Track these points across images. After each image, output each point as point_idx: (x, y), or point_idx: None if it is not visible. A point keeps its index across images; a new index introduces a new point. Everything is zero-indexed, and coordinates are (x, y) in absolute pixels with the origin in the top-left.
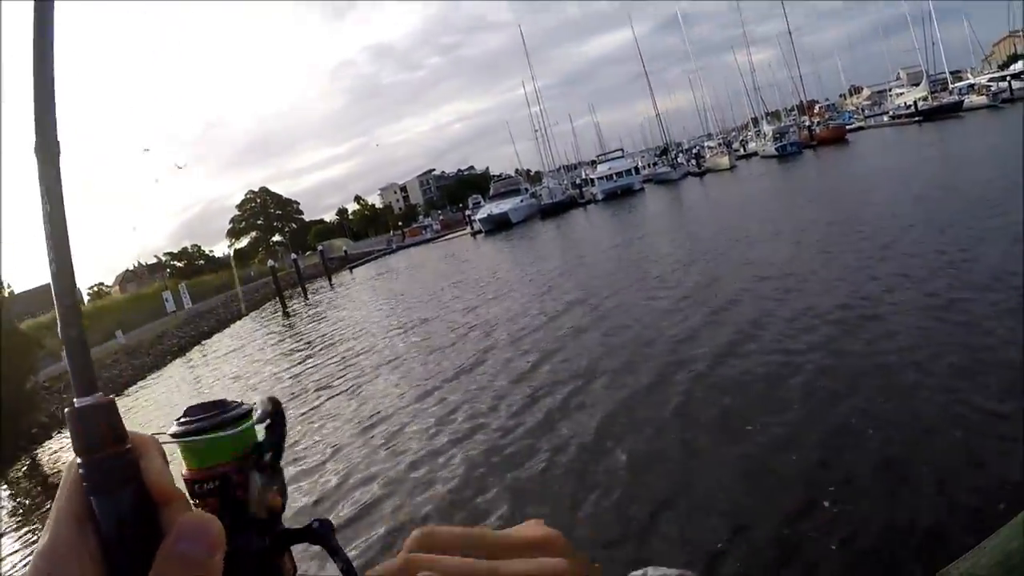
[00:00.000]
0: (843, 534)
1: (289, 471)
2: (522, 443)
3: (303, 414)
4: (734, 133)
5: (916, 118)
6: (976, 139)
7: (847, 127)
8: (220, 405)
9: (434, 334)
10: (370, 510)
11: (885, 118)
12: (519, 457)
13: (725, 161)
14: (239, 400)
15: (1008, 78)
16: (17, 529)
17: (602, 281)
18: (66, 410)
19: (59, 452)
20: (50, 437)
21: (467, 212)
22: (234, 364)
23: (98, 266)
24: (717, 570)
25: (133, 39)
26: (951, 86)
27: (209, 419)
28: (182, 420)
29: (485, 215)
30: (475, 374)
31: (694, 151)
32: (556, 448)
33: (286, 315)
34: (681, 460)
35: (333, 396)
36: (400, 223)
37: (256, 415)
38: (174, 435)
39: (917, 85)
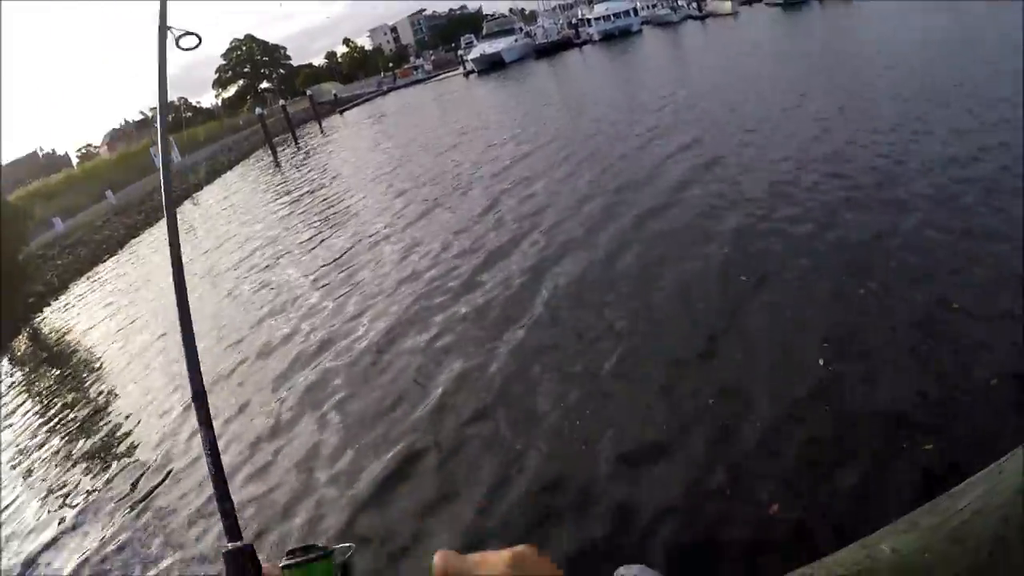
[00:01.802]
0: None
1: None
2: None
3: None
4: None
5: None
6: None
7: None
8: (316, 548)
9: (422, 178)
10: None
11: None
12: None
13: (727, 6)
14: (326, 545)
15: None
16: (22, 399)
17: (587, 121)
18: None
19: (57, 320)
20: (48, 305)
21: (460, 52)
22: (224, 219)
23: (85, 127)
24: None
25: None
26: None
27: (313, 555)
28: (289, 556)
29: (478, 55)
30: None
31: None
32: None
33: (276, 164)
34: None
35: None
36: (391, 64)
37: (337, 559)
38: (287, 567)
39: None
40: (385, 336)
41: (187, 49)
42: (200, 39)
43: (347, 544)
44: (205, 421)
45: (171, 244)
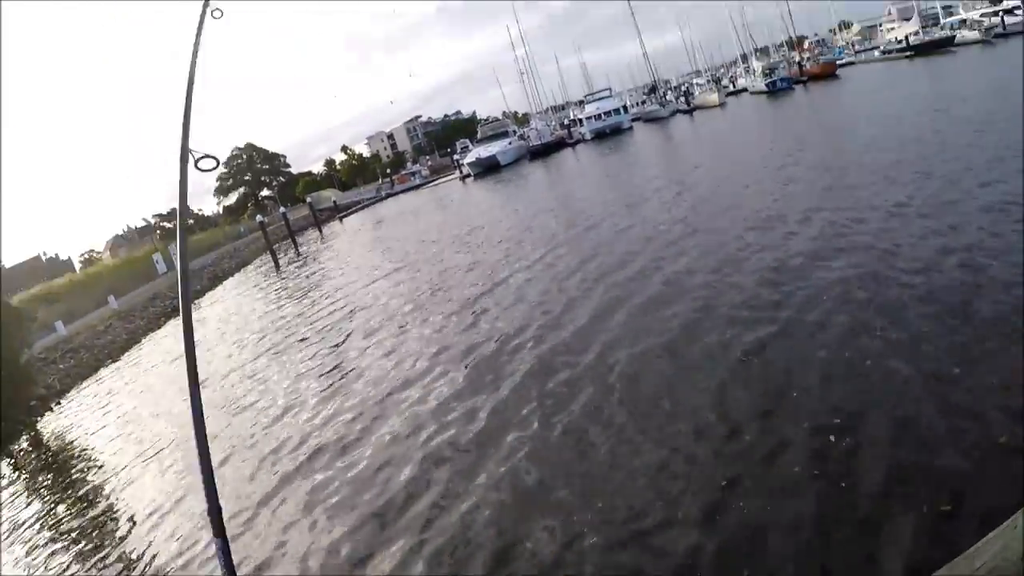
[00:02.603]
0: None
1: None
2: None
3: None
4: (723, 70)
5: (907, 53)
6: (969, 73)
7: (837, 62)
8: None
9: (422, 283)
10: None
11: (876, 53)
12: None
13: (714, 98)
14: None
15: (1000, 13)
16: (22, 502)
17: (587, 215)
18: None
19: (59, 425)
20: (50, 410)
21: (455, 156)
22: (227, 322)
23: (88, 232)
24: None
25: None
26: (942, 21)
27: None
28: None
29: (474, 159)
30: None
31: (683, 89)
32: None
33: (277, 269)
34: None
35: (323, 356)
36: (388, 171)
37: None
38: None
39: (908, 20)
40: (376, 439)
41: (206, 171)
42: (218, 162)
43: None
44: (220, 533)
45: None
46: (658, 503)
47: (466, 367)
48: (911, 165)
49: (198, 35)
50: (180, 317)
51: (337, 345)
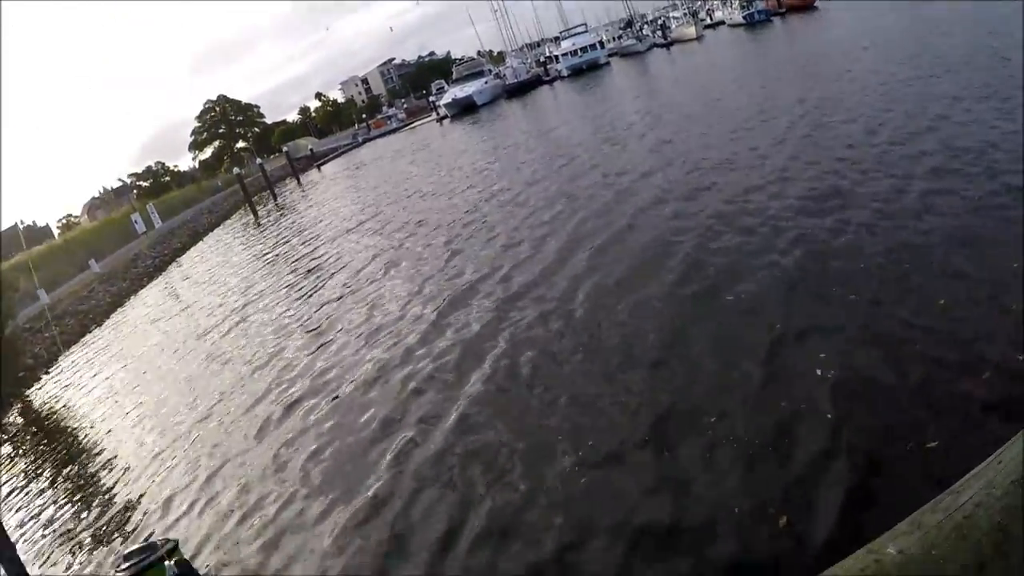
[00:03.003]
0: None
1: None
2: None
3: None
4: (700, 2)
5: None
6: (946, 9)
7: None
8: (152, 547)
9: (396, 222)
10: None
11: None
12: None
13: (692, 31)
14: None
15: None
16: (15, 472)
17: (562, 153)
18: None
19: (48, 394)
20: (38, 379)
21: (431, 98)
22: (209, 278)
23: (65, 198)
24: None
25: None
26: None
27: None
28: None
29: (450, 99)
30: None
31: (660, 22)
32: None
33: (257, 222)
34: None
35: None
36: (364, 116)
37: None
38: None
39: None
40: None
41: None
42: None
43: (172, 539)
44: None
45: None
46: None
47: (439, 305)
48: (886, 95)
49: None
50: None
51: (318, 289)
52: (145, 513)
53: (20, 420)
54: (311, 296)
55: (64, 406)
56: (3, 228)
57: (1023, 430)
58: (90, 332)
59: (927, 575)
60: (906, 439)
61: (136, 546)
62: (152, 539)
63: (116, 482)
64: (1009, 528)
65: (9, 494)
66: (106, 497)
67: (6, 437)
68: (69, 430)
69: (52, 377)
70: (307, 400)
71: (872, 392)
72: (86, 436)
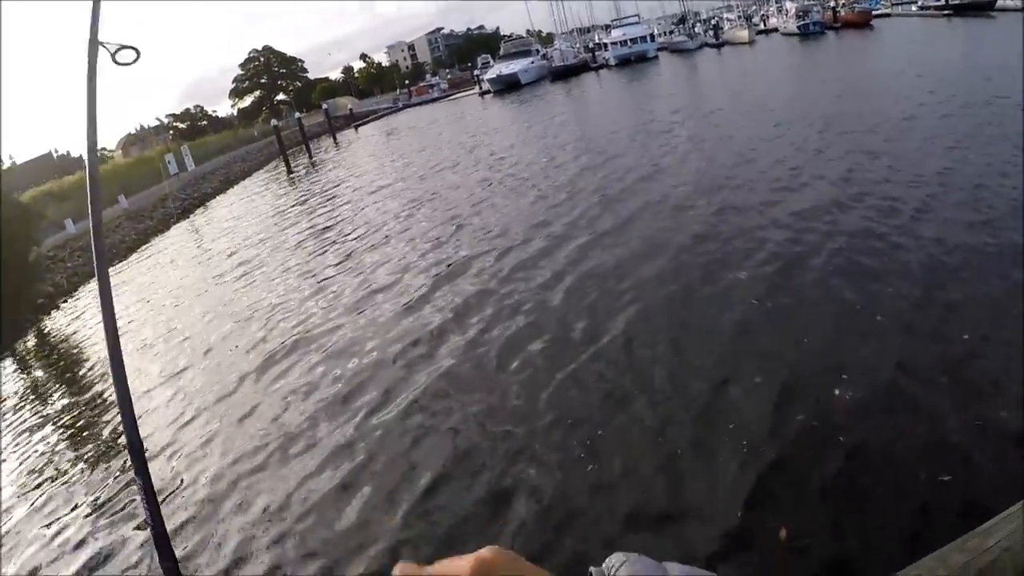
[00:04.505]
0: None
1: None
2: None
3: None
4: (755, 7)
5: (946, 11)
6: (1008, 41)
7: (873, 12)
8: None
9: (425, 193)
10: None
11: (913, 8)
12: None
13: (744, 35)
14: None
15: None
16: (27, 400)
17: (601, 142)
18: None
19: (64, 323)
20: (56, 307)
21: (476, 72)
22: (235, 224)
23: (101, 131)
24: None
25: None
26: None
27: None
28: None
29: (494, 75)
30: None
31: (713, 22)
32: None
33: (289, 176)
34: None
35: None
36: (407, 81)
37: None
38: None
39: None
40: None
41: (125, 64)
42: (139, 53)
43: None
44: (141, 472)
45: (104, 308)
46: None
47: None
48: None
49: None
50: (96, 279)
51: (335, 244)
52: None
53: (34, 346)
54: (326, 253)
55: (75, 334)
56: (37, 155)
57: None
58: (113, 266)
59: None
60: (927, 468)
61: None
62: None
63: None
64: None
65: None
66: (98, 417)
67: (18, 361)
68: (77, 358)
69: (70, 306)
70: (301, 346)
71: (893, 421)
72: (91, 364)
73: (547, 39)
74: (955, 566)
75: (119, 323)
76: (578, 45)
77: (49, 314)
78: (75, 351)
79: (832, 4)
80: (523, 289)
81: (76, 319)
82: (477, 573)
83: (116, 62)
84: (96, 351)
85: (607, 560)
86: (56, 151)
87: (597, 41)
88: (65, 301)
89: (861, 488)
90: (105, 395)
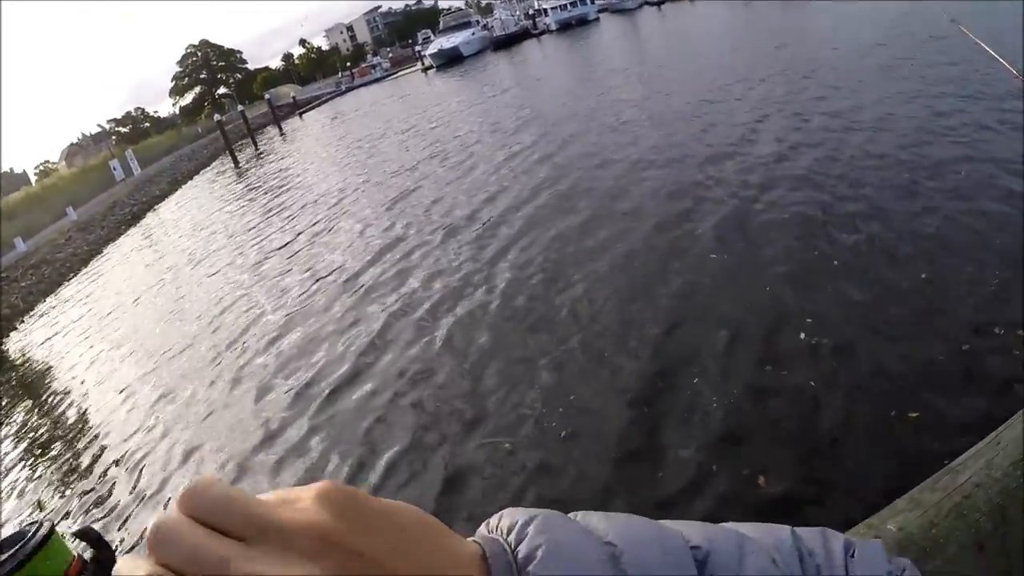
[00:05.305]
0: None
1: None
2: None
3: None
4: None
5: None
6: None
7: None
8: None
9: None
10: None
11: None
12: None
13: None
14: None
15: None
16: None
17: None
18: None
19: (23, 343)
20: (14, 328)
21: (417, 48)
22: (189, 225)
23: (43, 144)
24: None
25: None
26: None
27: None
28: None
29: (436, 50)
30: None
31: None
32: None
33: (237, 170)
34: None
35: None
36: (348, 64)
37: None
38: None
39: None
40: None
41: None
42: None
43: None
44: None
45: None
46: None
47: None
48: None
49: None
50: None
51: (284, 232)
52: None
53: None
54: (277, 241)
55: (37, 355)
56: None
57: (1022, 410)
58: (67, 281)
59: (927, 553)
60: (894, 408)
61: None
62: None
63: (78, 428)
64: (1008, 509)
65: None
66: (66, 434)
67: None
68: (41, 377)
69: (28, 325)
70: (252, 341)
71: (859, 362)
72: (55, 383)
73: (487, 9)
74: (928, 505)
75: (74, 342)
76: (518, 13)
77: (8, 335)
78: (36, 369)
79: None
80: (471, 262)
81: (35, 336)
82: (319, 499)
83: None
84: (59, 372)
85: (494, 519)
86: None
87: (537, 7)
88: (22, 321)
89: (833, 432)
90: (70, 417)
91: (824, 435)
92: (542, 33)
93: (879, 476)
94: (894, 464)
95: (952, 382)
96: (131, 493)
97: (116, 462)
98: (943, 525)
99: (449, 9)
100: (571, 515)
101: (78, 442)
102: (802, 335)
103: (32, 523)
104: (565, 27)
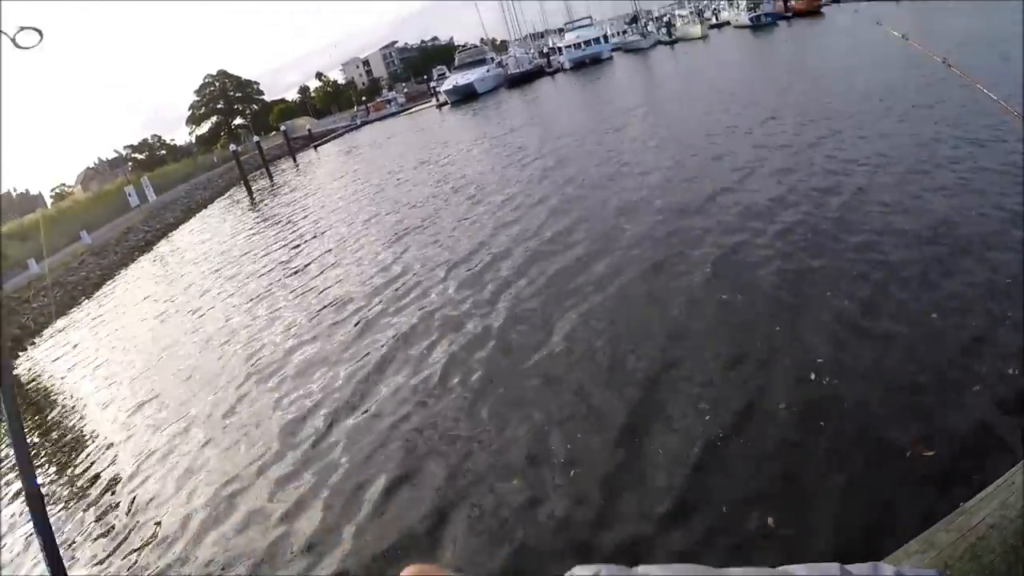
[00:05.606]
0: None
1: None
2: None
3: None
4: (706, 2)
5: None
6: (956, 21)
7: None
8: None
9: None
10: None
11: None
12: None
13: (697, 30)
14: None
15: None
16: None
17: (564, 147)
18: None
19: (32, 365)
20: (24, 349)
21: (432, 84)
22: (201, 254)
23: (59, 166)
24: None
25: None
26: None
27: None
28: None
29: (451, 86)
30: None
31: (665, 20)
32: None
33: (251, 201)
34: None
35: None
36: (364, 98)
37: None
38: None
39: None
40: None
41: (27, 48)
42: (42, 34)
43: None
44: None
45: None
46: None
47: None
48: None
49: None
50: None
51: (303, 264)
52: (115, 475)
53: None
54: (286, 270)
55: (47, 377)
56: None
57: None
58: (79, 304)
59: None
60: (908, 447)
61: None
62: None
63: (83, 454)
64: (1022, 551)
65: None
66: (74, 464)
67: None
68: (50, 399)
69: (39, 347)
70: (258, 372)
71: (871, 399)
72: (64, 406)
73: (501, 47)
74: (943, 546)
75: (84, 366)
76: (532, 51)
77: (17, 356)
78: (45, 391)
79: None
80: (473, 297)
81: (43, 360)
82: None
83: (17, 46)
84: (68, 390)
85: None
86: (15, 189)
87: (551, 45)
88: (32, 343)
89: (845, 473)
90: (72, 436)
91: (836, 475)
92: (556, 71)
93: (892, 517)
94: (907, 504)
95: (966, 423)
96: (128, 515)
97: (119, 481)
98: (957, 567)
99: (464, 46)
100: (634, 569)
101: (79, 464)
102: (812, 375)
103: None
104: (579, 65)
